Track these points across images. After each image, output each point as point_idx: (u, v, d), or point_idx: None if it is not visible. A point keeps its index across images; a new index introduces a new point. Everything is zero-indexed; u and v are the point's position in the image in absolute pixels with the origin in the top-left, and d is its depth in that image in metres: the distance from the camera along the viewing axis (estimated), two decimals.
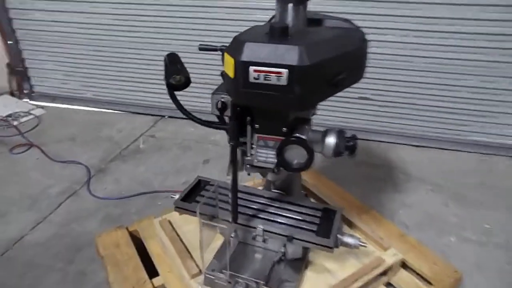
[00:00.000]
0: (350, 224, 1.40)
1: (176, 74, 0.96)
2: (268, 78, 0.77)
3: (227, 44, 0.89)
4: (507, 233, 1.65)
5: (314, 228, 1.10)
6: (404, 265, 1.33)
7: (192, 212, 1.19)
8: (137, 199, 1.89)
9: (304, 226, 1.11)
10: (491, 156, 2.24)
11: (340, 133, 0.96)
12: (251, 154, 0.98)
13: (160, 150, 2.35)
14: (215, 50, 1.17)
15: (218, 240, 1.25)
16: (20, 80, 3.06)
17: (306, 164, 0.84)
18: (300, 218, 1.14)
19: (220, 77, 0.97)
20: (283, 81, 0.77)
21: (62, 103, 2.98)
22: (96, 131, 2.57)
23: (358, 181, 1.98)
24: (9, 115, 2.78)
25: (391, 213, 1.79)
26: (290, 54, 0.76)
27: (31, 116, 2.79)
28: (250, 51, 0.78)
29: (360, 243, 1.10)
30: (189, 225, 1.36)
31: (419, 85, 2.24)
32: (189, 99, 2.56)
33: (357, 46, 0.93)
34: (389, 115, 2.38)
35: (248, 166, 1.01)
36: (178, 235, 1.33)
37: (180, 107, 1.05)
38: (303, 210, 1.17)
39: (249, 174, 1.05)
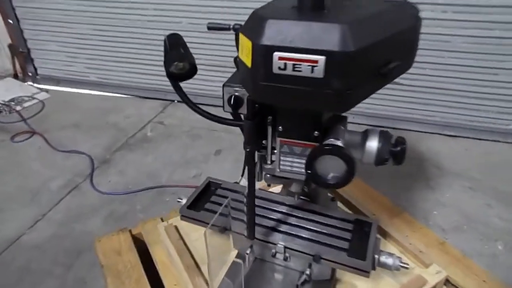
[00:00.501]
0: (383, 233, 1.21)
1: (178, 61, 0.77)
2: (298, 69, 0.57)
3: (242, 23, 0.69)
4: None
5: (346, 245, 0.92)
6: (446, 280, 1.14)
7: (201, 222, 1.02)
8: (144, 194, 1.74)
9: (334, 243, 0.92)
10: None
11: (384, 134, 0.76)
12: (272, 161, 0.79)
13: (169, 139, 2.18)
14: (227, 29, 0.97)
15: (233, 252, 1.08)
16: (23, 62, 2.91)
17: (346, 179, 0.65)
18: (328, 232, 0.95)
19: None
20: (319, 72, 0.57)
21: (67, 87, 2.83)
22: (102, 117, 2.42)
23: (386, 176, 1.77)
24: (12, 100, 2.64)
25: (424, 214, 1.59)
26: (329, 35, 0.56)
27: (34, 101, 2.65)
28: (274, 32, 0.58)
29: (401, 264, 0.92)
30: (197, 232, 1.19)
31: (457, 68, 1.99)
32: (197, 82, 2.37)
33: (410, 25, 0.72)
34: (421, 101, 2.15)
35: (268, 175, 0.82)
36: (185, 244, 1.17)
37: (186, 99, 0.87)
38: (332, 221, 0.98)
39: (269, 185, 0.87)
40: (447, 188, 1.73)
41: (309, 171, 0.66)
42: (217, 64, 2.33)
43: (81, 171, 1.90)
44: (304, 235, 0.95)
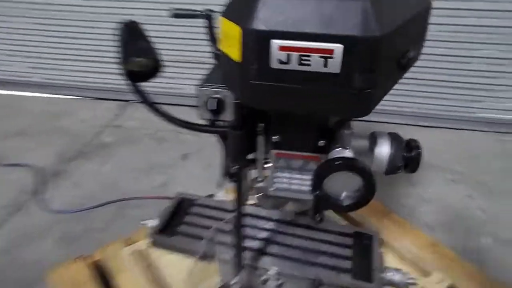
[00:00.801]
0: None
1: (137, 56, 0.60)
2: (306, 62, 0.43)
3: (214, 8, 0.54)
4: None
5: (348, 264, 0.80)
6: None
7: (176, 249, 0.86)
8: (103, 209, 1.53)
9: (334, 264, 0.80)
10: (510, 135, 2.01)
11: (395, 138, 0.64)
12: (264, 177, 0.64)
13: (129, 144, 1.98)
14: (195, 17, 0.81)
15: (215, 277, 0.93)
16: None
17: (365, 198, 0.52)
18: (327, 250, 0.83)
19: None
20: (334, 66, 0.43)
21: (8, 89, 2.51)
22: (51, 122, 2.16)
23: None
24: None
25: (409, 211, 1.52)
26: (347, 16, 0.42)
27: None
28: (271, 12, 0.43)
29: (409, 281, 0.82)
30: (170, 255, 1.03)
31: (429, 57, 1.94)
32: (159, 79, 2.17)
33: (425, 6, 0.60)
34: (394, 92, 2.04)
35: (259, 195, 0.67)
36: (156, 271, 1.00)
37: (148, 103, 0.70)
38: (329, 237, 0.86)
39: (260, 206, 0.72)
40: (429, 182, 1.68)
41: (317, 193, 0.52)
42: (182, 59, 2.14)
43: (28, 186, 1.66)
44: (299, 257, 0.81)
